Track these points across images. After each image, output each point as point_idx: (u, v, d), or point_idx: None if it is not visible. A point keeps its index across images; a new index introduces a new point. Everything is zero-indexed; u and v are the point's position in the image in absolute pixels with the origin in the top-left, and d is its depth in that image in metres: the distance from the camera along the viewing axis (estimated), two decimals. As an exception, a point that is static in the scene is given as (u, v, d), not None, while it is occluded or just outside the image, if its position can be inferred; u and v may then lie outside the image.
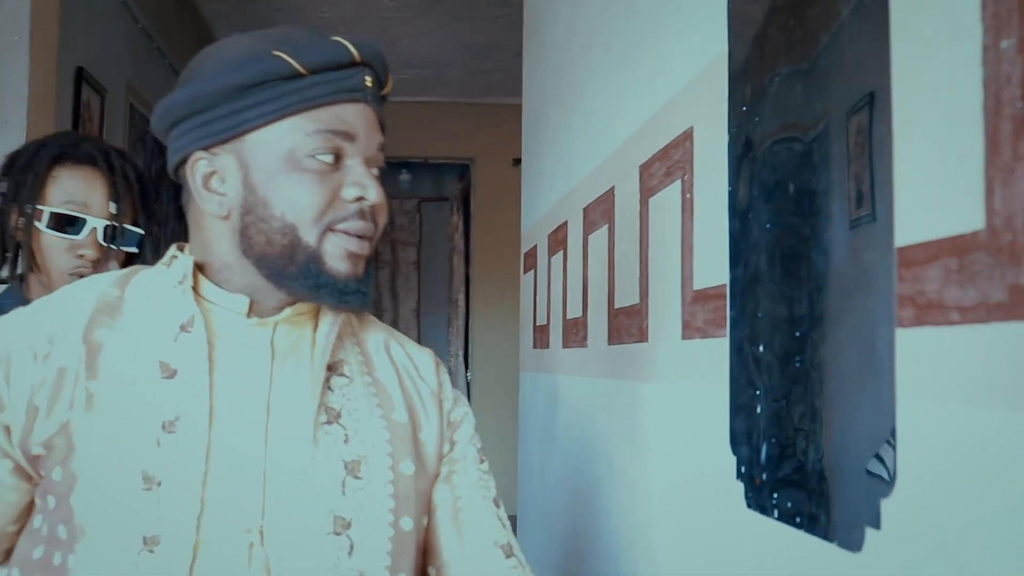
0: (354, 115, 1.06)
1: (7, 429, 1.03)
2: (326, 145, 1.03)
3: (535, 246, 3.02)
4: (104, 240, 1.70)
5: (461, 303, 6.91)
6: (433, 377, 1.21)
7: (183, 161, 1.08)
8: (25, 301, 1.59)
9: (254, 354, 1.07)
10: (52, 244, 1.69)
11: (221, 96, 1.03)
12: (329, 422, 1.07)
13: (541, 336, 2.85)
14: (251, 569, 0.99)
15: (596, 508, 2.08)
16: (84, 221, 1.69)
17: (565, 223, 2.49)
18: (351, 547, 1.03)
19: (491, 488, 1.21)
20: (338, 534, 1.03)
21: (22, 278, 1.73)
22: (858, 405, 0.94)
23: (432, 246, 7.69)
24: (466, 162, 6.85)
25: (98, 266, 1.69)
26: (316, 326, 1.12)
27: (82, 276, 1.55)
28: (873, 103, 0.93)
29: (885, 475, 0.88)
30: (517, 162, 6.44)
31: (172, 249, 1.12)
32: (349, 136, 1.05)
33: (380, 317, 7.65)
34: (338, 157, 1.05)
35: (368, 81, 1.07)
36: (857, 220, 0.96)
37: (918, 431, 0.84)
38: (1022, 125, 0.70)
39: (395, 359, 1.19)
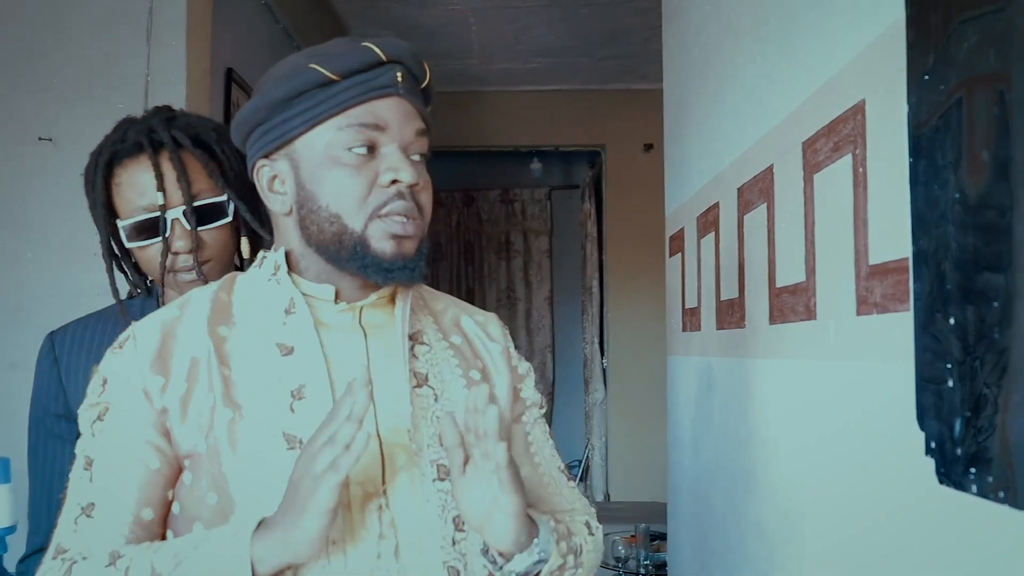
0: (385, 108, 1.18)
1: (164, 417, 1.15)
2: (359, 138, 1.16)
3: (682, 229, 3.00)
4: (189, 224, 1.55)
5: (595, 290, 6.89)
6: (502, 338, 1.37)
7: (254, 168, 1.25)
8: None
9: (350, 332, 1.23)
10: (144, 255, 1.58)
11: (271, 109, 1.19)
12: (419, 385, 1.22)
13: (691, 319, 2.84)
14: (381, 517, 1.13)
15: (758, 491, 2.06)
16: (161, 219, 1.54)
17: (716, 204, 2.47)
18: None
19: (545, 425, 1.39)
20: (442, 479, 1.18)
21: (149, 291, 1.67)
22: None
23: (564, 234, 7.67)
24: (597, 149, 6.83)
25: (192, 253, 1.55)
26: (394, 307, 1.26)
27: (181, 271, 1.56)
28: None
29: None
30: (648, 147, 6.44)
31: (260, 253, 1.27)
32: (380, 127, 1.17)
33: (514, 307, 7.70)
34: (372, 148, 1.18)
35: (399, 76, 1.19)
36: (1060, 186, 0.93)
37: None
38: None
39: (464, 328, 1.34)
